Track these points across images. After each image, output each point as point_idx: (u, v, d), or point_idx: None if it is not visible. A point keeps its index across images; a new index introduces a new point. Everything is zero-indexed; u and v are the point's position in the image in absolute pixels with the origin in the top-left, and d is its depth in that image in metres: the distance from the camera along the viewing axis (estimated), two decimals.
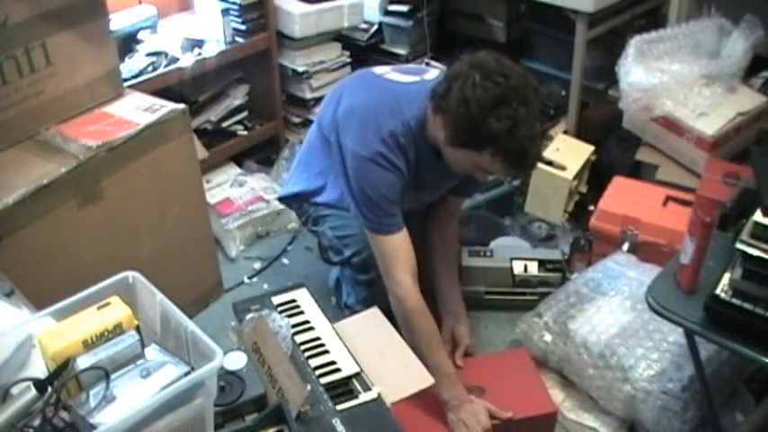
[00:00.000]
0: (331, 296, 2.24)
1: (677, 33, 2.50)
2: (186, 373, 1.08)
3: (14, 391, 1.04)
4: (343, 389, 1.51)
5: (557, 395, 1.93)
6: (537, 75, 3.04)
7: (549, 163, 2.54)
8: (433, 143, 1.76)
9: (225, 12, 2.59)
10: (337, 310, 2.15)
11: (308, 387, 1.44)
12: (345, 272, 2.06)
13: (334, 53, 2.93)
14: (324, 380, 1.52)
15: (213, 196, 2.59)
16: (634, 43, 2.44)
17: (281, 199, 2.18)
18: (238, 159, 2.86)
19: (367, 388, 1.51)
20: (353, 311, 1.99)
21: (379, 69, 1.95)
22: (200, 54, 2.52)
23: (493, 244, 2.40)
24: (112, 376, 1.05)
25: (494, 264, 2.23)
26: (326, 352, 1.62)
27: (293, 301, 1.80)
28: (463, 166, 1.74)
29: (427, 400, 1.72)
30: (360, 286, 2.00)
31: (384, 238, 1.78)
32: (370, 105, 1.79)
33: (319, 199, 2.01)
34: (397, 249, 1.78)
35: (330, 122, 1.84)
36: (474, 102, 1.58)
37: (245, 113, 2.85)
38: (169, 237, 2.06)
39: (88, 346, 1.06)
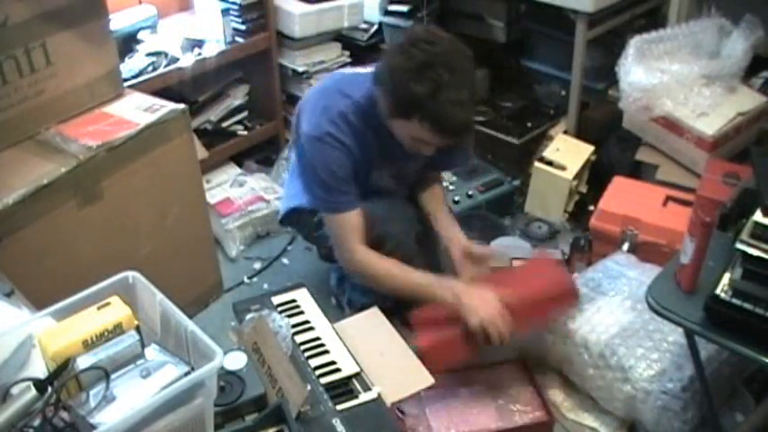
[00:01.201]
0: (331, 296, 2.24)
1: (677, 33, 2.50)
2: (186, 373, 1.08)
3: (14, 391, 1.04)
4: (343, 389, 1.52)
5: (557, 395, 1.93)
6: (537, 75, 3.08)
7: (549, 163, 2.54)
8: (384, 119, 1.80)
9: (225, 12, 2.59)
10: (337, 310, 2.15)
11: (308, 387, 1.44)
12: None
13: (334, 53, 2.93)
14: (324, 380, 1.52)
15: (213, 196, 2.59)
16: (634, 43, 2.44)
17: (282, 222, 2.21)
18: (238, 159, 2.86)
19: (367, 388, 1.51)
20: (356, 308, 2.00)
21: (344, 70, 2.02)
22: (200, 54, 2.52)
23: (493, 244, 2.40)
24: (112, 376, 1.05)
25: (494, 264, 2.23)
26: (326, 352, 1.62)
27: (293, 301, 1.80)
28: (405, 139, 1.77)
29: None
30: None
31: (337, 216, 1.83)
32: (323, 91, 1.87)
33: (305, 204, 2.03)
34: (350, 224, 1.83)
35: (295, 121, 1.93)
36: (399, 69, 1.64)
37: (245, 113, 2.85)
38: (169, 237, 2.06)
39: (88, 346, 1.06)
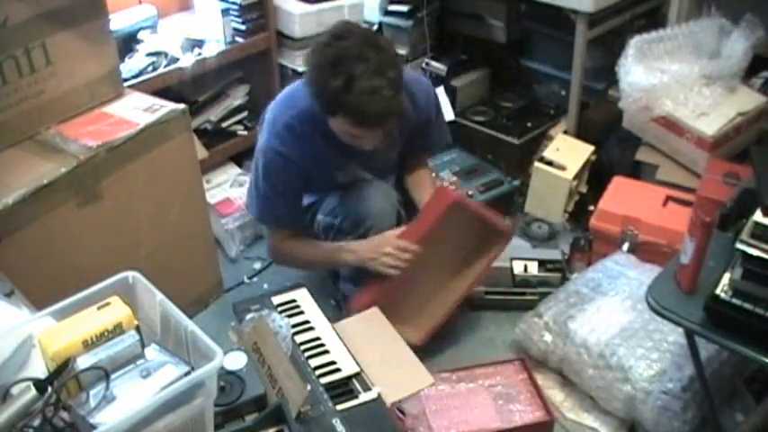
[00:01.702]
0: (331, 296, 2.24)
1: (677, 33, 2.50)
2: (186, 373, 1.08)
3: (14, 391, 1.04)
4: (343, 389, 1.52)
5: (557, 395, 1.93)
6: (537, 75, 3.07)
7: (549, 163, 2.54)
8: None
9: (225, 12, 2.59)
10: (337, 310, 2.15)
11: (308, 387, 1.44)
12: None
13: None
14: (324, 380, 1.52)
15: (213, 196, 2.59)
16: (634, 43, 2.44)
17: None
18: (238, 159, 2.85)
19: (367, 388, 1.51)
20: (351, 295, 2.03)
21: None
22: (200, 54, 2.52)
23: None
24: (112, 376, 1.05)
25: (494, 264, 2.23)
26: (326, 352, 1.62)
27: (293, 301, 1.80)
28: (343, 136, 1.81)
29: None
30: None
31: (272, 228, 2.05)
32: (275, 104, 1.94)
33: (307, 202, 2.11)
34: (282, 234, 2.02)
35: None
36: (315, 69, 1.70)
37: (245, 113, 2.84)
38: (169, 237, 2.06)
39: (88, 346, 1.06)
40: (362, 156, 1.94)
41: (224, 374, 1.34)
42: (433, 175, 2.40)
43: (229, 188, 2.67)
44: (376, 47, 1.68)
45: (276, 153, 1.88)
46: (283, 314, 1.70)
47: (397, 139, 2.02)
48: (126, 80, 2.19)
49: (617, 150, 2.63)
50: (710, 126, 2.31)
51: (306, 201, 2.10)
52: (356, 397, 1.49)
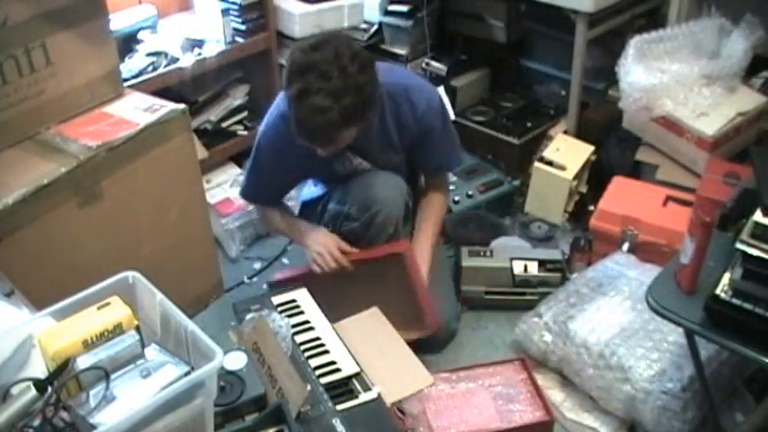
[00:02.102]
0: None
1: (677, 33, 2.50)
2: (186, 373, 1.08)
3: (14, 391, 1.04)
4: (343, 389, 1.52)
5: (557, 395, 1.93)
6: (537, 75, 3.07)
7: (549, 163, 2.54)
8: None
9: (225, 12, 2.59)
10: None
11: (308, 387, 1.44)
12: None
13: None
14: (324, 380, 1.52)
15: (213, 196, 2.58)
16: (634, 43, 2.44)
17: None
18: (238, 159, 2.85)
19: (367, 388, 1.51)
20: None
21: None
22: (200, 54, 2.52)
23: (493, 244, 2.40)
24: (112, 376, 1.05)
25: (494, 264, 2.23)
26: (326, 352, 1.62)
27: (293, 301, 1.80)
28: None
29: None
30: (358, 243, 2.03)
31: (252, 202, 2.24)
32: (281, 94, 1.93)
33: (311, 197, 2.18)
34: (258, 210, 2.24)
35: None
36: (286, 70, 1.75)
37: (245, 113, 2.84)
38: (169, 237, 2.06)
39: (88, 346, 1.06)
40: (352, 152, 1.98)
41: (224, 374, 1.34)
42: None
43: (229, 188, 2.67)
44: (343, 70, 1.68)
45: (268, 139, 1.98)
46: (283, 314, 1.70)
47: (397, 146, 2.01)
48: (126, 80, 2.19)
49: (617, 150, 2.63)
50: (710, 126, 2.31)
51: (317, 193, 2.17)
52: (356, 397, 1.49)
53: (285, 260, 2.52)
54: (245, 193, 2.19)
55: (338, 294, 1.90)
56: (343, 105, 1.68)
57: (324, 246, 1.97)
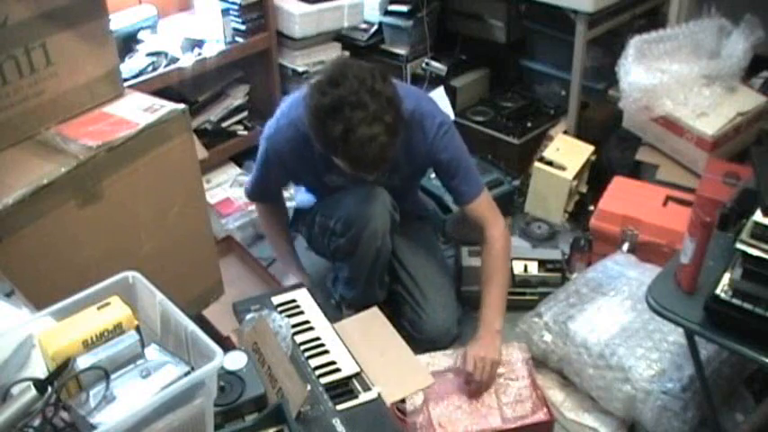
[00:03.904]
0: (331, 296, 2.24)
1: (677, 33, 2.50)
2: (186, 373, 1.08)
3: (14, 391, 1.04)
4: (343, 389, 1.51)
5: (557, 395, 1.93)
6: (537, 75, 3.08)
7: (549, 163, 2.54)
8: None
9: (225, 12, 2.59)
10: (337, 310, 2.15)
11: (308, 387, 1.44)
12: (336, 258, 2.11)
13: (334, 53, 2.93)
14: (324, 380, 1.52)
15: (213, 196, 2.59)
16: (634, 43, 2.44)
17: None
18: (238, 159, 2.85)
19: (367, 388, 1.51)
20: (346, 304, 2.09)
21: None
22: (200, 54, 2.52)
23: None
24: (112, 376, 1.05)
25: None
26: (326, 352, 1.62)
27: (293, 301, 1.80)
28: (343, 168, 1.83)
29: None
30: (347, 258, 2.04)
31: (254, 202, 2.27)
32: (292, 98, 1.99)
33: (305, 205, 2.20)
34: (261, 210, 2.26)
35: None
36: (312, 113, 1.72)
37: (245, 113, 2.85)
38: (169, 237, 2.06)
39: (88, 346, 1.06)
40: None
41: (224, 374, 1.34)
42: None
43: (229, 188, 2.67)
44: (372, 91, 1.67)
45: (275, 143, 1.98)
46: (283, 314, 1.70)
47: (402, 167, 2.00)
48: (126, 80, 2.19)
49: (617, 150, 2.63)
50: (710, 126, 2.32)
51: (310, 202, 2.18)
52: (356, 397, 1.49)
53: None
54: (251, 194, 2.22)
55: None
56: (387, 124, 1.68)
57: None
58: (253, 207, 2.59)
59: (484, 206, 2.02)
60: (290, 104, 1.98)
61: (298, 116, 1.90)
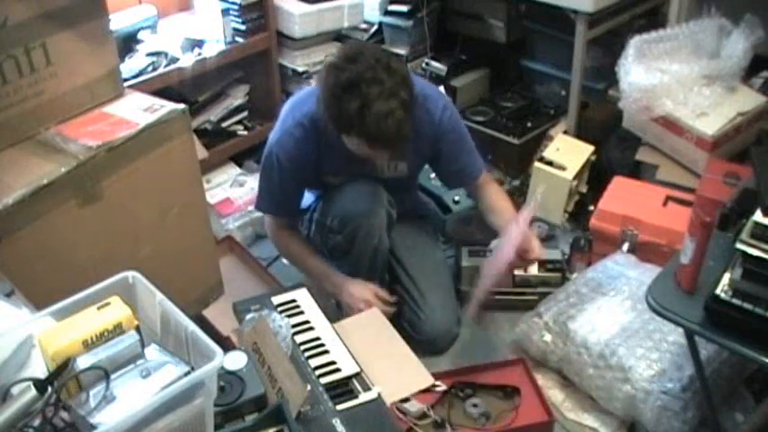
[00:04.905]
0: (331, 296, 2.24)
1: (677, 33, 2.50)
2: (186, 373, 1.08)
3: (14, 391, 1.04)
4: (343, 389, 1.51)
5: (557, 395, 1.93)
6: (537, 75, 3.07)
7: (549, 163, 2.54)
8: None
9: (225, 12, 2.60)
10: (337, 310, 2.15)
11: (308, 387, 1.44)
12: (334, 256, 2.11)
13: (334, 53, 2.93)
14: (324, 380, 1.52)
15: (213, 196, 2.59)
16: (634, 43, 2.44)
17: None
18: (238, 159, 2.85)
19: (367, 388, 1.51)
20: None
21: None
22: (200, 54, 2.52)
23: (493, 244, 2.39)
24: (112, 376, 1.05)
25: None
26: (326, 352, 1.62)
27: (293, 301, 1.80)
28: (356, 150, 1.84)
29: None
30: (344, 256, 2.04)
31: (267, 215, 2.15)
32: (293, 101, 2.01)
33: (305, 205, 2.17)
34: (277, 223, 2.13)
35: None
36: (328, 91, 1.73)
37: (245, 113, 2.85)
38: (169, 237, 2.06)
39: (88, 346, 1.06)
40: (364, 167, 1.98)
41: (224, 374, 1.34)
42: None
43: (229, 188, 2.67)
44: (388, 69, 1.70)
45: (284, 146, 1.96)
46: (283, 314, 1.70)
47: (408, 153, 2.01)
48: (126, 80, 2.19)
49: (617, 150, 2.63)
50: (710, 126, 2.32)
51: (309, 201, 2.15)
52: (356, 397, 1.49)
53: (285, 260, 2.52)
54: (262, 206, 2.15)
55: None
56: (403, 100, 1.70)
57: (363, 300, 1.99)
58: (252, 207, 2.59)
59: (488, 178, 2.16)
60: (292, 107, 1.99)
61: (302, 114, 1.92)
